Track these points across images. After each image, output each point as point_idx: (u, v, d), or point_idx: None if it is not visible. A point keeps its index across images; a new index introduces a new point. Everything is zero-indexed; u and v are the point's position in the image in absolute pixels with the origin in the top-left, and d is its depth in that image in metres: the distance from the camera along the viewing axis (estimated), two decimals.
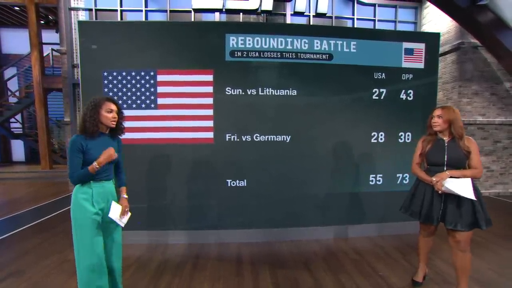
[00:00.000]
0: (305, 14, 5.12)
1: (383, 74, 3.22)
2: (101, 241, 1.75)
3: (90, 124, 1.70)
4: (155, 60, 3.10)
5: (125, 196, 1.97)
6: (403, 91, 3.26)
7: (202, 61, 3.12)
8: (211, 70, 3.13)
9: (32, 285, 2.30)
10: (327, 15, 5.93)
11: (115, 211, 1.81)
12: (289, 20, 5.71)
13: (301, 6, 4.95)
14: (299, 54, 3.14)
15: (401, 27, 6.45)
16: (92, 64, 3.06)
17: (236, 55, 3.13)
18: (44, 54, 8.23)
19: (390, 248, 3.01)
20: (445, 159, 1.95)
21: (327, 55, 3.16)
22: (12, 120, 9.17)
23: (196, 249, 3.03)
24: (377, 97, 3.23)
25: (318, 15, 5.28)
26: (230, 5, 4.95)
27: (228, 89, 3.15)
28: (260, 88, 3.16)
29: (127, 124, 3.10)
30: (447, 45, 5.72)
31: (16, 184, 7.13)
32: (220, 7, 4.95)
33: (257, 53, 3.13)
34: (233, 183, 3.21)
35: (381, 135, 3.28)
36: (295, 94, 3.18)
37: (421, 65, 3.29)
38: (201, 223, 3.21)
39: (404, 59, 3.25)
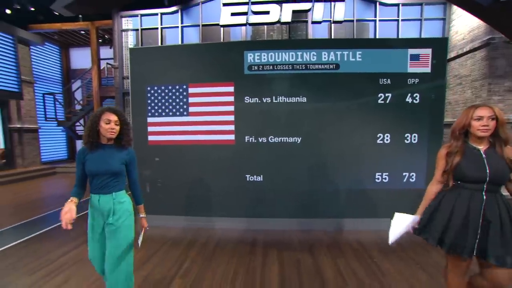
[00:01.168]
0: (322, 21, 5.40)
1: (389, 79, 3.45)
2: (97, 247, 1.83)
3: (86, 135, 1.73)
4: (187, 76, 3.76)
5: (143, 215, 1.92)
6: (409, 95, 3.45)
7: (224, 75, 3.70)
8: (232, 83, 3.69)
9: None
10: (349, 19, 6.15)
11: (140, 238, 1.89)
12: (310, 28, 6.05)
13: (318, 15, 5.26)
14: (308, 65, 3.54)
15: (427, 25, 6.33)
16: (139, 81, 3.83)
17: (253, 69, 3.64)
18: (101, 68, 9.68)
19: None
20: (488, 173, 1.53)
21: (334, 65, 3.51)
22: (77, 124, 10.92)
23: (218, 232, 3.62)
24: (382, 101, 3.48)
25: (335, 22, 5.53)
26: (253, 20, 5.48)
27: (247, 98, 3.67)
28: (274, 97, 3.63)
29: (165, 128, 3.89)
30: (477, 41, 5.51)
31: None
32: (244, 22, 5.52)
33: (271, 66, 3.61)
34: (251, 178, 3.73)
35: (387, 136, 3.51)
36: (305, 101, 3.58)
37: (427, 70, 3.43)
38: (224, 211, 3.79)
39: (410, 64, 3.44)
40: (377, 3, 6.23)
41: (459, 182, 1.63)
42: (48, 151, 10.75)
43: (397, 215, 1.85)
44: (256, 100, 3.66)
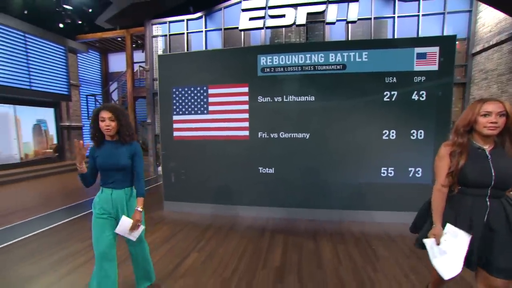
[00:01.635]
0: (335, 22, 5.55)
1: (394, 78, 3.58)
2: (105, 239, 1.82)
3: (91, 134, 1.85)
4: (207, 78, 4.20)
5: (139, 209, 1.86)
6: (415, 92, 3.55)
7: (240, 77, 4.08)
8: (247, 84, 4.05)
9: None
10: (366, 17, 6.20)
11: (123, 226, 1.80)
12: (327, 28, 6.19)
13: (331, 17, 5.41)
14: (316, 66, 3.79)
15: (451, 19, 6.14)
16: (166, 83, 4.36)
17: (265, 71, 3.98)
18: (134, 70, 10.63)
19: (395, 233, 3.40)
20: (493, 176, 1.36)
21: (341, 66, 3.72)
22: None
23: (233, 219, 4.03)
24: (388, 99, 3.62)
25: (350, 22, 5.63)
26: (270, 23, 5.79)
27: (260, 98, 4.02)
28: (284, 96, 3.94)
29: (188, 125, 4.38)
30: (504, 33, 5.27)
31: None
32: (261, 25, 5.85)
33: (282, 68, 3.92)
34: (264, 171, 4.09)
35: (393, 132, 3.65)
36: (313, 99, 3.84)
37: (435, 67, 3.50)
38: (238, 200, 4.19)
39: (416, 63, 3.53)
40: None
41: (460, 187, 1.46)
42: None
43: (448, 233, 1.45)
44: (268, 99, 4.00)
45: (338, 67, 3.72)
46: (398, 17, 6.26)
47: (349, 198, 3.84)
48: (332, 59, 3.73)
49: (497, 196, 1.39)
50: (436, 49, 3.49)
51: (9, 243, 3.28)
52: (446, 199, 1.52)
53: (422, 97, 3.55)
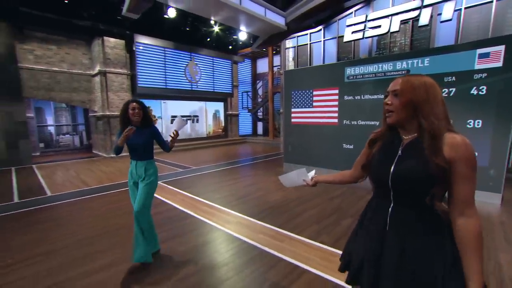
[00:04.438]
0: (428, 24, 6.01)
1: (453, 77, 4.40)
2: (133, 198, 2.54)
3: (120, 121, 2.41)
4: (312, 84, 6.45)
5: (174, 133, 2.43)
6: (474, 87, 4.23)
7: (333, 83, 6.05)
8: (337, 87, 5.98)
9: (263, 173, 6.72)
10: (486, 1, 6.13)
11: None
12: (434, 23, 6.64)
13: (424, 20, 5.92)
14: (385, 73, 5.18)
15: None
16: (288, 87, 6.98)
17: (350, 78, 5.74)
18: (274, 72, 14.12)
19: None
20: (390, 174, 1.05)
21: (405, 71, 4.92)
22: (259, 111, 16.40)
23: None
24: (446, 95, 4.50)
25: (443, 21, 5.88)
26: (367, 34, 7.04)
27: (346, 97, 5.86)
28: (362, 95, 5.58)
29: (300, 114, 6.87)
30: None
31: (257, 145, 13.60)
32: (361, 37, 7.20)
33: (361, 76, 5.55)
34: (346, 146, 5.96)
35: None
36: (382, 97, 5.24)
37: (498, 64, 4.01)
38: (327, 165, 6.29)
39: (478, 62, 4.16)
40: None
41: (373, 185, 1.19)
42: (242, 128, 17.00)
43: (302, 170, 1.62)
44: (351, 98, 5.77)
45: (403, 72, 4.95)
46: None
47: None
48: (398, 66, 5.00)
49: (404, 205, 1.03)
50: (501, 48, 3.97)
51: (205, 172, 7.09)
52: (345, 181, 1.41)
53: (482, 92, 4.19)
